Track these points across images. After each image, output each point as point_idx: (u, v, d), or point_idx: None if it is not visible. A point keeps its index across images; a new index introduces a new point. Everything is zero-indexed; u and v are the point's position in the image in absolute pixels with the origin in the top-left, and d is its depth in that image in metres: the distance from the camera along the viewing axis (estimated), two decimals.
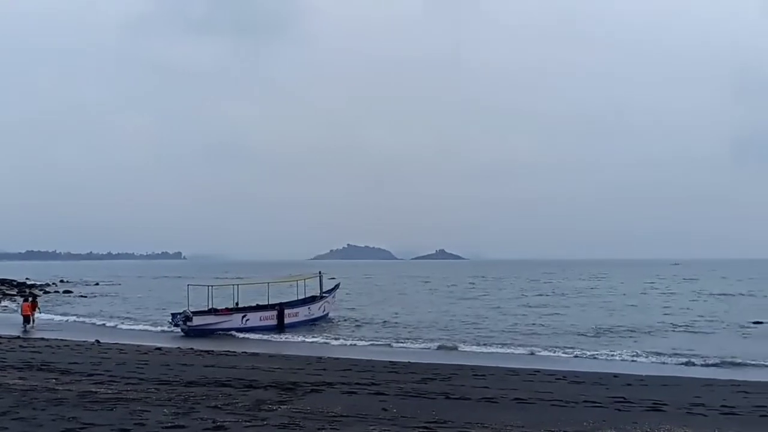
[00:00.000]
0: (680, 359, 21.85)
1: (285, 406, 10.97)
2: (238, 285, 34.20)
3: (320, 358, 20.60)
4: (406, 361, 20.05)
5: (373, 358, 20.81)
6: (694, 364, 21.10)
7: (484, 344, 25.70)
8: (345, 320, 35.17)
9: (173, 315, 30.26)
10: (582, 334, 28.61)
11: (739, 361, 21.28)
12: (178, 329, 29.42)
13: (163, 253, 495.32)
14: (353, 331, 30.31)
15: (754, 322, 32.88)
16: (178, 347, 23.56)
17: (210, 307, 31.21)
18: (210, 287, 32.61)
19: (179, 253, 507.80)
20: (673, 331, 30.38)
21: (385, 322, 34.48)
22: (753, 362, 21.10)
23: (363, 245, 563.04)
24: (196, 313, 29.72)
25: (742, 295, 54.63)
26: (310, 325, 32.01)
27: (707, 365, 20.90)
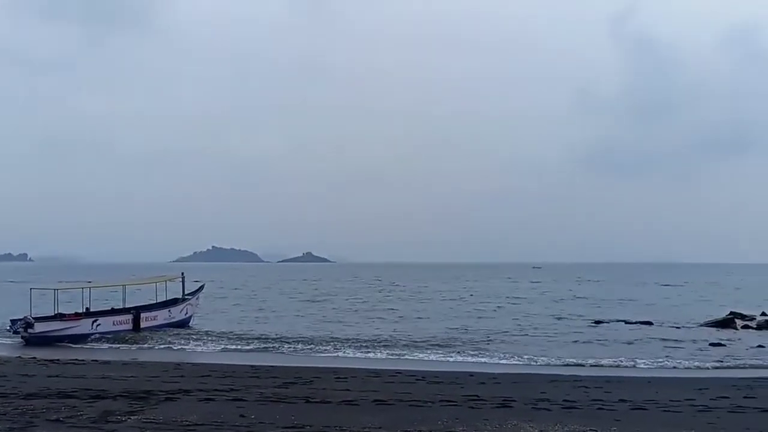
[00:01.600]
0: (530, 357, 23.20)
1: (135, 417, 10.42)
2: (90, 288, 32.02)
3: (178, 364, 19.79)
4: (269, 365, 19.76)
5: (235, 363, 20.32)
6: (542, 362, 22.47)
7: (350, 347, 25.85)
8: (208, 324, 34.04)
9: (12, 321, 27.80)
10: (448, 335, 29.56)
11: (580, 361, 22.88)
12: (18, 337, 27.08)
13: (6, 254, 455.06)
14: (215, 336, 29.39)
15: (595, 321, 35.55)
16: (19, 356, 21.69)
17: (56, 312, 29.00)
18: (56, 291, 30.33)
19: (25, 255, 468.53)
20: (525, 332, 32.13)
21: (248, 325, 33.78)
22: (592, 360, 22.81)
23: (229, 247, 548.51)
24: (38, 319, 27.48)
25: (578, 298, 58.85)
26: (171, 328, 30.66)
27: (551, 364, 22.33)
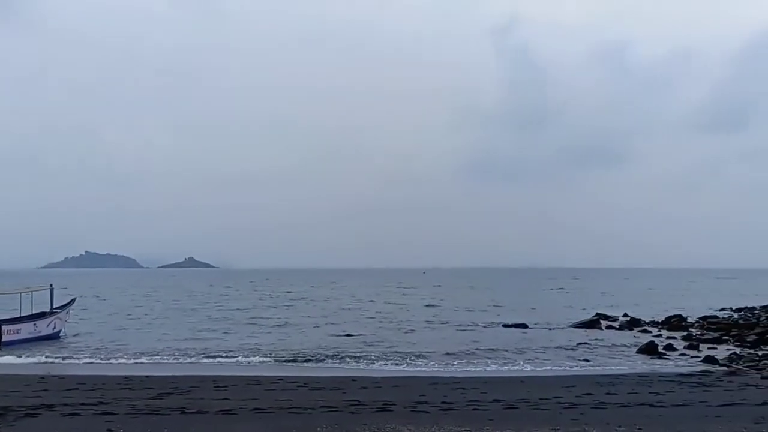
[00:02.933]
0: (412, 361, 23.64)
1: None
2: None
3: (42, 377, 18.45)
4: (143, 375, 18.88)
5: (106, 374, 19.24)
6: (422, 365, 22.95)
7: (225, 355, 25.14)
8: (77, 336, 31.99)
9: None
10: (331, 341, 29.51)
11: (459, 363, 23.60)
12: None
13: None
14: (84, 347, 27.67)
15: (472, 323, 36.81)
16: None
17: None
18: None
19: None
20: (408, 336, 32.73)
21: (121, 336, 32.10)
22: (470, 362, 23.59)
23: (104, 252, 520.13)
24: None
25: (460, 302, 60.94)
26: (37, 343, 28.53)
27: (432, 365, 22.89)
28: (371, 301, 58.91)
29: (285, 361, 23.87)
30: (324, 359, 24.15)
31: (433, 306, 52.88)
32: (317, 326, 36.35)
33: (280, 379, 18.25)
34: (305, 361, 23.86)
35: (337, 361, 23.90)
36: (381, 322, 39.01)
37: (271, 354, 25.32)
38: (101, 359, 24.65)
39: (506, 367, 22.45)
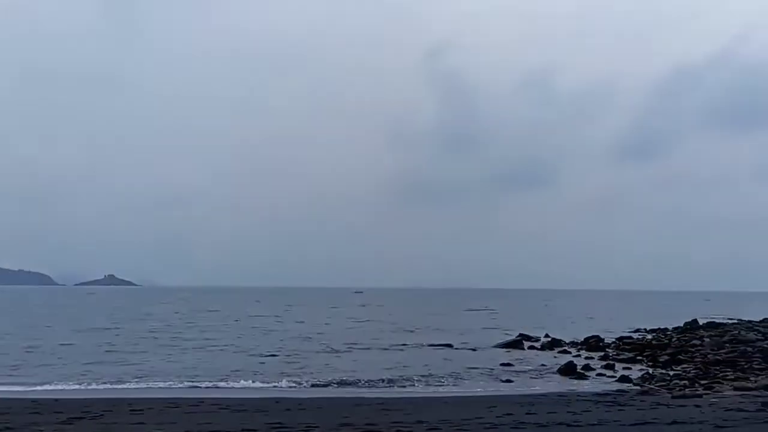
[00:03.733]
0: (338, 381, 23.47)
1: None
2: None
3: None
4: (53, 398, 17.97)
5: (11, 398, 18.20)
6: (349, 385, 22.81)
7: (142, 377, 24.21)
8: None
9: None
10: (257, 360, 28.92)
11: (385, 383, 23.60)
12: None
13: None
14: None
15: (402, 344, 36.94)
16: None
17: None
18: None
19: None
20: (338, 354, 32.52)
21: (27, 357, 30.50)
22: (397, 382, 23.63)
23: (16, 269, 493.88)
24: None
25: (389, 322, 61.07)
26: None
27: (357, 386, 22.78)
28: (300, 322, 58.17)
29: (206, 382, 23.21)
30: (248, 380, 23.64)
31: (360, 325, 52.83)
32: (239, 347, 35.54)
33: (201, 401, 17.74)
34: (227, 382, 23.28)
35: (261, 382, 23.43)
36: (306, 341, 38.59)
37: (191, 375, 24.59)
38: (4, 382, 23.22)
39: (431, 388, 22.62)
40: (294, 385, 22.94)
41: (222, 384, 22.86)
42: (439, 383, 23.51)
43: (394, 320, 61.12)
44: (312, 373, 25.50)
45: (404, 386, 22.88)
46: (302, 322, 58.10)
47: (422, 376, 25.00)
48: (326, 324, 55.00)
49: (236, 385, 22.81)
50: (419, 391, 22.05)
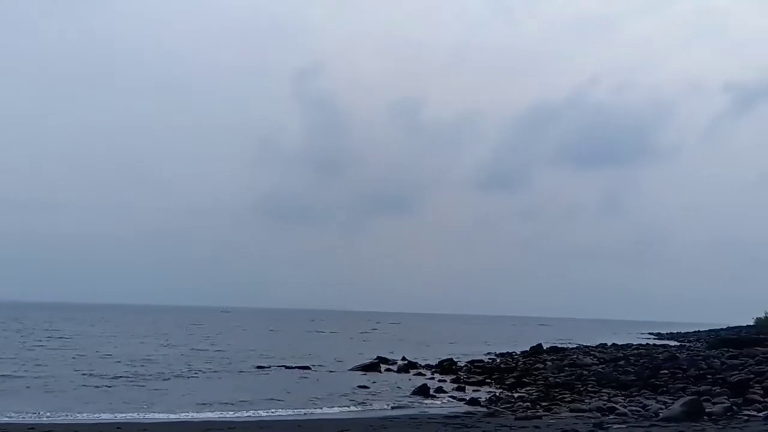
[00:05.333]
0: (188, 404, 22.48)
1: None
2: None
3: None
4: None
5: None
6: (200, 409, 21.91)
7: None
8: None
9: None
10: (96, 381, 27.03)
11: (236, 406, 22.95)
12: None
13: None
14: None
15: (258, 367, 36.17)
16: None
17: None
18: None
19: None
20: (185, 373, 31.17)
21: None
22: (248, 405, 23.05)
23: None
24: None
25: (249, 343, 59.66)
26: None
27: (209, 410, 21.97)
28: (166, 344, 55.29)
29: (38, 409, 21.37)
30: (86, 405, 22.03)
31: (220, 345, 51.14)
32: (78, 369, 32.90)
33: (32, 428, 16.34)
34: (64, 408, 21.57)
35: (103, 406, 21.92)
36: (156, 364, 36.57)
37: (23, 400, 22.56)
38: None
39: (286, 411, 22.27)
40: (139, 409, 21.63)
41: (54, 411, 21.11)
42: (293, 406, 23.19)
43: (253, 341, 59.84)
44: (161, 397, 24.27)
45: (257, 410, 22.33)
46: (166, 344, 55.07)
47: (277, 399, 24.59)
48: (181, 345, 52.63)
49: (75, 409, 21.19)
50: (272, 414, 21.63)
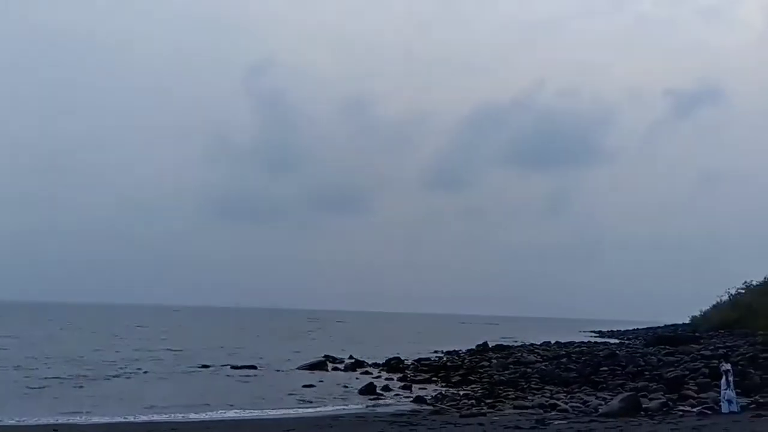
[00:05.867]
0: (127, 405, 21.95)
1: None
2: None
3: None
4: None
5: None
6: (139, 411, 21.40)
7: None
8: None
9: None
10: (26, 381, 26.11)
11: (183, 407, 22.54)
12: None
13: None
14: None
15: (203, 366, 35.60)
16: None
17: None
18: None
19: None
20: (122, 374, 30.44)
21: None
22: (196, 406, 22.66)
23: None
24: None
25: (205, 341, 58.63)
26: None
27: (150, 411, 21.49)
28: (111, 343, 53.71)
29: None
30: (24, 407, 21.24)
31: (166, 344, 50.10)
32: (18, 369, 31.83)
33: None
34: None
35: (42, 410, 21.14)
36: (99, 365, 35.58)
37: None
38: None
39: (230, 412, 21.94)
40: (77, 413, 20.94)
41: None
42: (239, 407, 22.91)
43: (202, 339, 58.93)
44: (99, 398, 23.61)
45: (201, 411, 21.95)
46: (112, 343, 53.56)
47: (222, 399, 24.25)
48: (121, 344, 51.30)
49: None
50: (217, 415, 21.33)
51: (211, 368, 35.22)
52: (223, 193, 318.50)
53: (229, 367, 35.86)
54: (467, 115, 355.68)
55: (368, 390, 27.32)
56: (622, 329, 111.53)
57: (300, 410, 22.54)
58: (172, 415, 20.89)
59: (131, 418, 19.83)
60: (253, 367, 35.67)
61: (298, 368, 36.14)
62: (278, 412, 21.94)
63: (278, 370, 35.11)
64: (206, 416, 20.85)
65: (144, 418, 20.12)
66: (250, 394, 25.71)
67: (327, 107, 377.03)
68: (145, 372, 32.47)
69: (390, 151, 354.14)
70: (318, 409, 22.71)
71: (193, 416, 20.77)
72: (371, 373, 34.54)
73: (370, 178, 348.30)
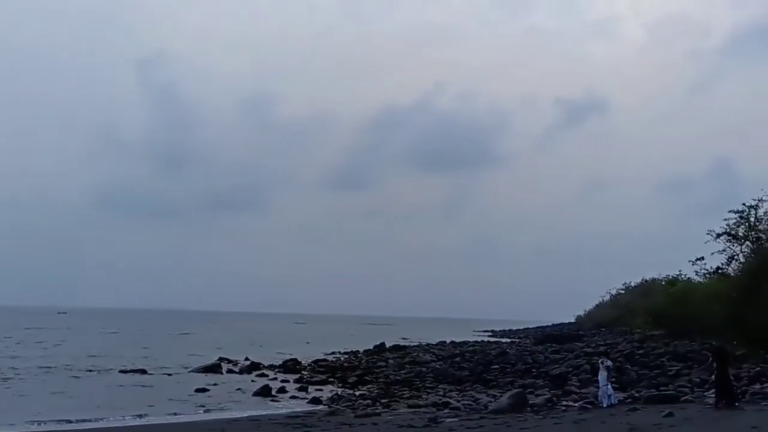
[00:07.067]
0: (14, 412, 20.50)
1: None
2: None
3: None
4: None
5: None
6: (26, 418, 19.98)
7: None
8: None
9: None
10: None
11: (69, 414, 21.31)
12: None
13: None
14: None
15: (89, 370, 33.83)
16: None
17: None
18: None
19: None
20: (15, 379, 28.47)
21: None
22: (78, 413, 21.49)
23: None
24: None
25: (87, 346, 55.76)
26: None
27: (38, 417, 20.19)
28: None
29: None
30: None
31: (52, 348, 47.24)
32: None
33: None
34: None
35: None
36: None
37: None
38: None
39: (116, 417, 20.94)
40: None
41: None
42: (126, 413, 21.84)
43: (91, 342, 56.01)
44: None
45: (88, 417, 20.79)
46: None
47: (110, 404, 23.12)
48: (15, 348, 47.82)
49: None
50: (103, 423, 20.24)
51: (96, 372, 33.60)
52: (110, 191, 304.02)
53: (116, 371, 34.31)
54: (369, 117, 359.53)
55: (263, 392, 26.94)
56: (514, 329, 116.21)
57: (192, 416, 21.83)
58: (57, 422, 19.69)
59: (15, 428, 18.54)
60: (143, 371, 34.27)
61: (191, 371, 35.09)
62: (168, 419, 21.16)
63: (169, 374, 33.89)
64: (91, 425, 19.75)
65: (28, 428, 18.86)
66: (140, 399, 24.64)
67: (225, 104, 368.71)
68: (31, 377, 30.73)
69: (290, 151, 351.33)
70: (210, 414, 22.10)
71: (79, 423, 19.65)
72: (267, 375, 34.05)
73: (270, 178, 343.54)
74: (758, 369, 23.18)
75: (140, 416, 21.15)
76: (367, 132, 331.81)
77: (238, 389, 28.42)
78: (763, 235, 29.77)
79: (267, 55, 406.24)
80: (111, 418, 20.68)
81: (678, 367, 26.15)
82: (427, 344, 57.12)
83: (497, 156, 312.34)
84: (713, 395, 19.17)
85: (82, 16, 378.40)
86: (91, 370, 34.01)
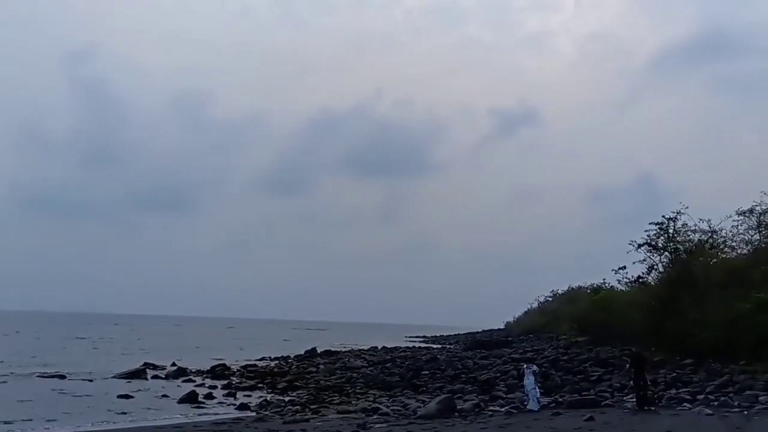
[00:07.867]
0: None
1: None
2: None
3: None
4: None
5: None
6: None
7: None
8: None
9: None
10: None
11: None
12: None
13: None
14: None
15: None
16: None
17: None
18: None
19: None
20: None
21: None
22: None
23: None
24: None
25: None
26: None
27: None
28: None
29: None
30: None
31: None
32: None
33: None
34: None
35: None
36: None
37: None
38: None
39: (32, 428, 19.91)
40: None
41: None
42: (42, 420, 20.84)
43: (3, 346, 53.24)
44: None
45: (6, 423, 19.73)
46: None
47: (21, 413, 21.92)
48: None
49: None
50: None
51: (11, 376, 32.01)
52: (33, 187, 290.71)
53: (35, 375, 32.80)
54: (304, 120, 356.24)
55: (190, 398, 26.27)
56: (446, 334, 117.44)
57: (113, 424, 21.04)
58: None
59: None
60: (61, 376, 32.88)
61: (114, 377, 33.86)
62: (87, 427, 20.33)
63: (90, 380, 32.59)
64: None
65: None
66: (55, 407, 23.52)
67: (155, 103, 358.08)
68: None
69: (223, 152, 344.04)
70: (133, 422, 21.35)
71: None
72: (194, 381, 33.24)
73: (200, 180, 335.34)
74: (674, 374, 24.16)
75: (55, 425, 20.17)
76: (302, 136, 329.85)
77: (164, 395, 27.62)
78: (680, 247, 31.07)
79: (200, 54, 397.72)
80: (21, 428, 19.60)
81: (600, 373, 27.01)
82: (359, 349, 57.07)
83: (433, 163, 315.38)
84: (632, 399, 19.98)
85: (4, 3, 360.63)
86: (9, 374, 32.38)
